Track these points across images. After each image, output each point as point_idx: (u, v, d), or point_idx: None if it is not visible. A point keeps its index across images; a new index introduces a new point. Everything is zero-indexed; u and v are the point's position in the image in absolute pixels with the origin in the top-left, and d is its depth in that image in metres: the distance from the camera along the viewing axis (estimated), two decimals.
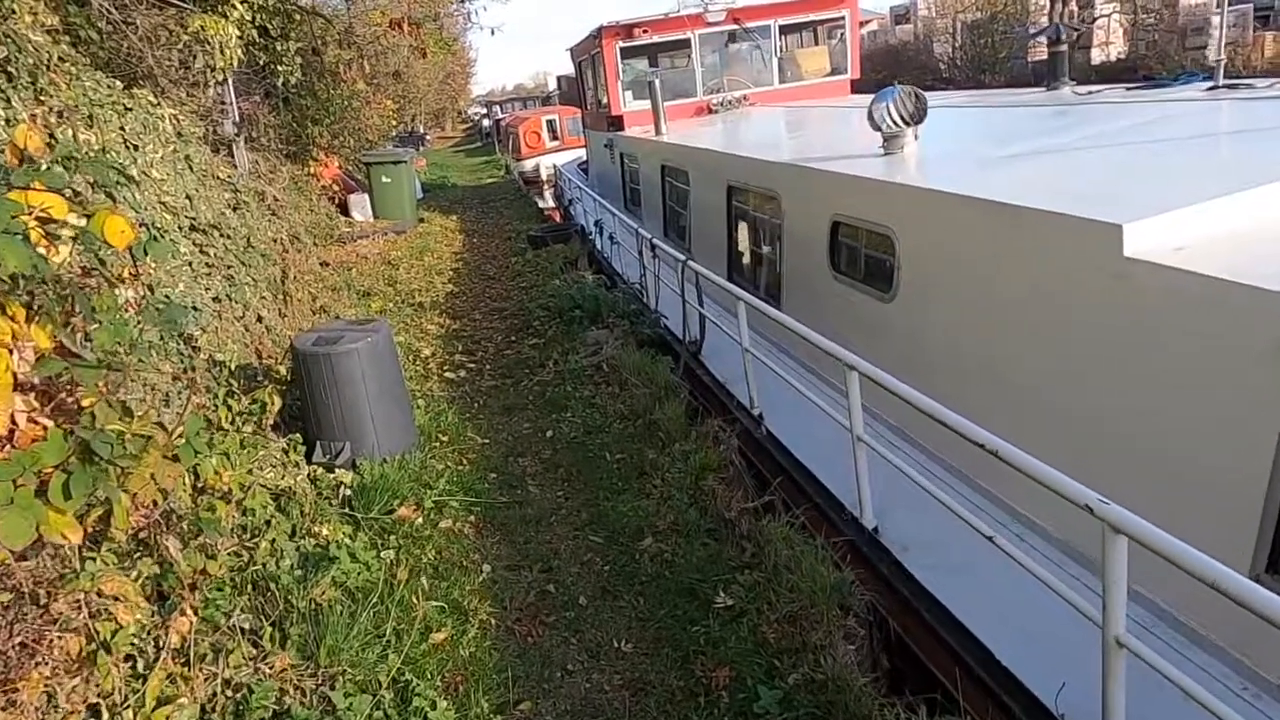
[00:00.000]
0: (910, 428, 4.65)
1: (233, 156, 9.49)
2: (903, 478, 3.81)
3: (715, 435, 5.00)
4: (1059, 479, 2.59)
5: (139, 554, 3.18)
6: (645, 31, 12.19)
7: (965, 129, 6.60)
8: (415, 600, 3.70)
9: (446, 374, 7.12)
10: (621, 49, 12.31)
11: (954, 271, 4.36)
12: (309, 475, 5.07)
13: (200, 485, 4.10)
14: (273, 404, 5.17)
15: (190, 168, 6.57)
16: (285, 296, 8.06)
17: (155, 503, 2.92)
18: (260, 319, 6.98)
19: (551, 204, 21.43)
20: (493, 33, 12.56)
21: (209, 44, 8.39)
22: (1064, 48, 8.62)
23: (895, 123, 5.79)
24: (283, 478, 4.77)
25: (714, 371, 6.63)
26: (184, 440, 3.68)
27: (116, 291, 3.78)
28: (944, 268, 4.46)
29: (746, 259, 7.65)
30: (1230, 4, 24.34)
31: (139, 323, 4.49)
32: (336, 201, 13.72)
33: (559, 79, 57.30)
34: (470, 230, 14.66)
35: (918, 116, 5.75)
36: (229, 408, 5.06)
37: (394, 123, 24.90)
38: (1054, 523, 3.74)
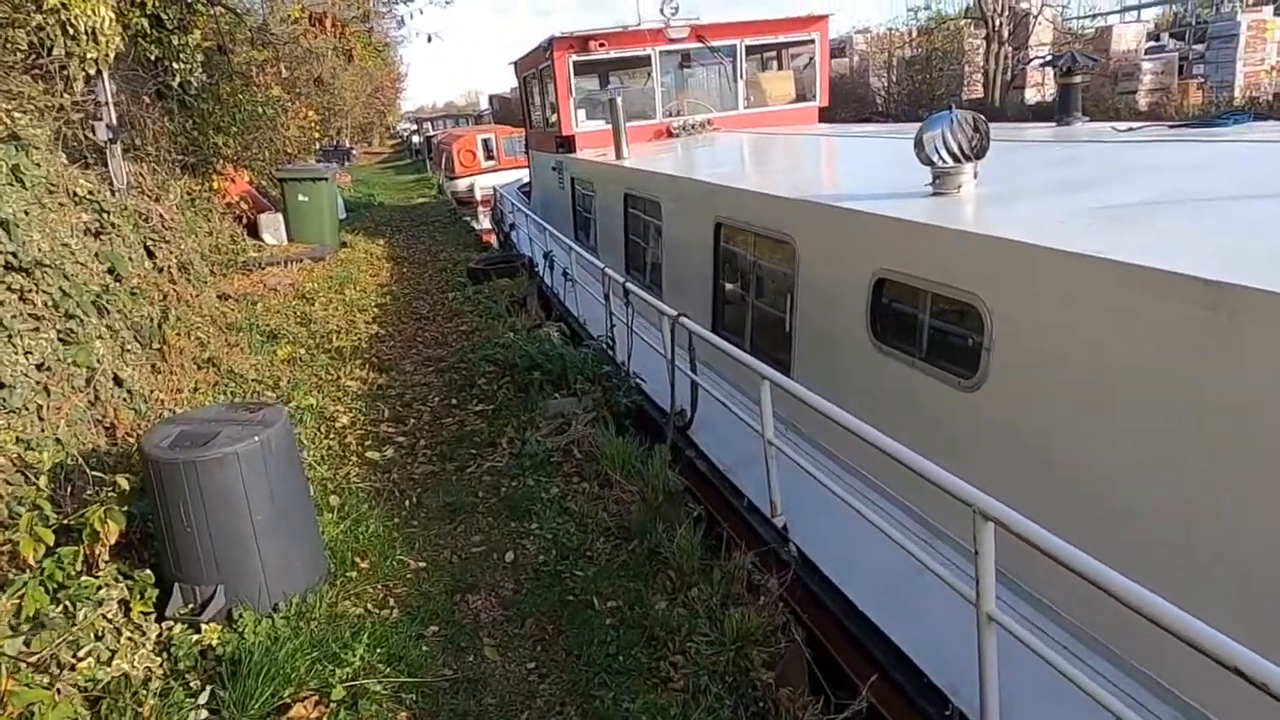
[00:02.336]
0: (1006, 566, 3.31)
1: (107, 167, 7.62)
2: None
3: (748, 577, 3.53)
4: None
5: None
6: (602, 45, 10.82)
7: (1014, 167, 5.35)
8: None
9: (369, 453, 5.46)
10: (575, 63, 10.89)
11: (1090, 365, 3.03)
12: (160, 638, 3.39)
13: None
14: (107, 531, 3.46)
15: (21, 181, 4.79)
16: (163, 345, 6.27)
17: None
18: (120, 382, 5.21)
19: (486, 226, 19.85)
20: (429, 39, 10.99)
21: (72, 26, 6.58)
22: (1077, 79, 7.55)
23: (951, 156, 4.49)
24: (111, 658, 3.08)
25: (710, 454, 5.20)
26: None
27: None
28: (1072, 356, 3.12)
29: (739, 313, 6.25)
30: (1155, 52, 24.56)
31: None
32: (244, 221, 11.80)
33: (491, 98, 55.79)
34: (400, 258, 12.88)
35: (979, 149, 4.48)
36: (37, 538, 3.35)
37: (317, 135, 22.89)
38: None
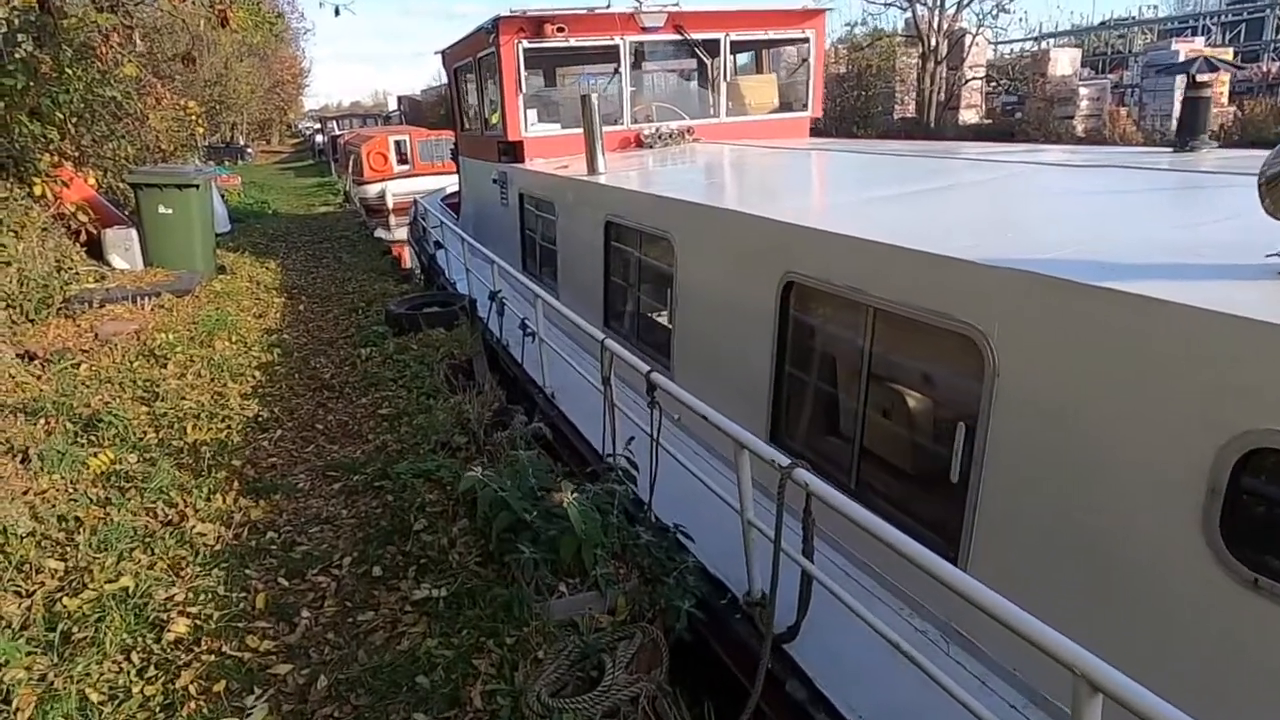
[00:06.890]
0: None
1: None
2: None
3: None
4: None
5: None
6: (560, 29, 8.34)
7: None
8: None
9: None
10: (526, 51, 8.36)
11: None
12: None
13: None
14: None
15: None
16: None
17: None
18: None
19: (396, 237, 16.99)
20: (337, 11, 8.22)
21: None
22: (1208, 92, 5.55)
23: None
24: None
25: (835, 701, 2.84)
26: None
27: None
28: None
29: (833, 425, 3.90)
30: (1090, 78, 23.77)
31: None
32: (84, 238, 8.66)
33: (400, 99, 52.39)
34: (295, 288, 9.91)
35: None
36: None
37: (201, 130, 19.30)
38: None
